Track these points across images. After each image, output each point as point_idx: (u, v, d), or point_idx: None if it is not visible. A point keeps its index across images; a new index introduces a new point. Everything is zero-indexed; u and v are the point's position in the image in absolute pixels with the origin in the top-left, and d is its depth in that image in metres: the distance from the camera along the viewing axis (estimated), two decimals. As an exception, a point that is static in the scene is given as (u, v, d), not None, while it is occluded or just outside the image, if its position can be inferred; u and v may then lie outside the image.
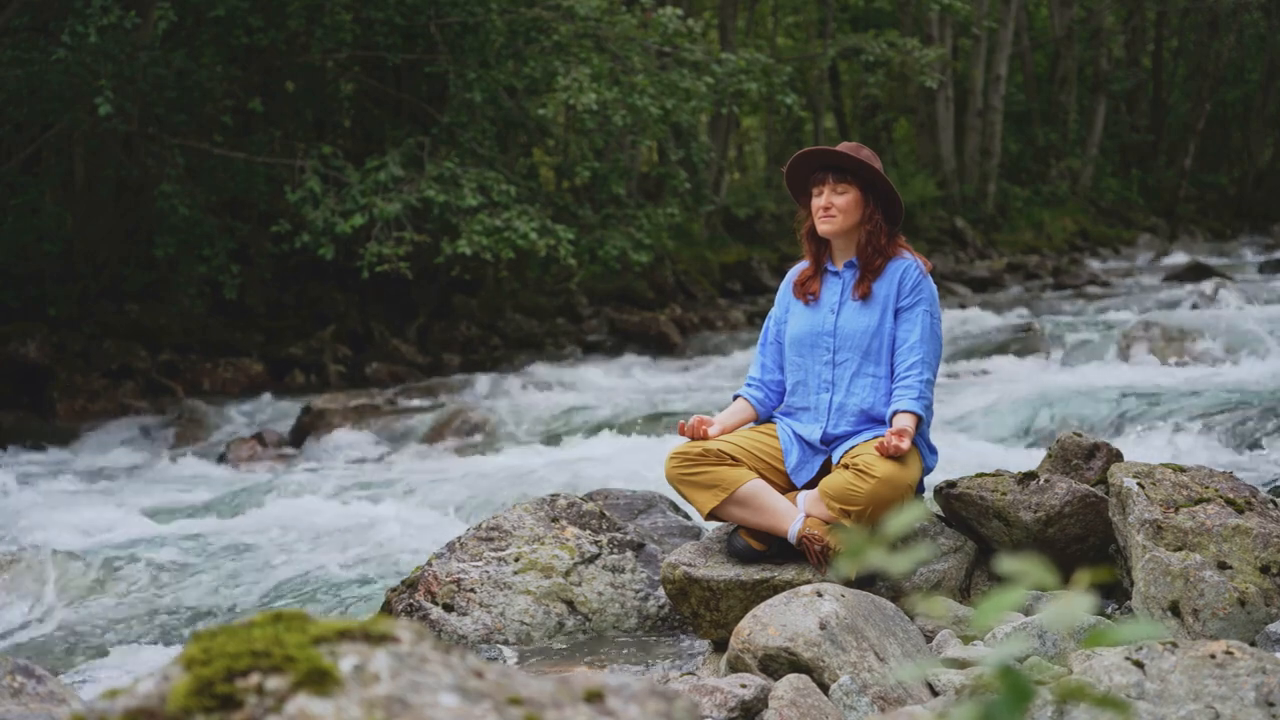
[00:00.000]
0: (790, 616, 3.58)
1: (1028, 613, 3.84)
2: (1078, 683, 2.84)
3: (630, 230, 14.12)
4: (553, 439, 9.88)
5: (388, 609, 4.70)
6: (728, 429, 4.34)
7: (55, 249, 12.85)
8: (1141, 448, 7.37)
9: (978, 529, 4.31)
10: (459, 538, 4.81)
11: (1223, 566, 3.70)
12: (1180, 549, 3.75)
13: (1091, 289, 19.47)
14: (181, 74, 12.42)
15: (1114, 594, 4.20)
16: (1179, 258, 23.87)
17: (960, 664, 3.46)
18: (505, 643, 4.47)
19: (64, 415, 11.94)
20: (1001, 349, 11.74)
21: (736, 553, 4.21)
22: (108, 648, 5.50)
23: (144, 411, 12.05)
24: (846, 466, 4.09)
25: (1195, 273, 18.74)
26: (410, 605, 4.60)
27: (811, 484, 4.25)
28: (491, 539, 4.74)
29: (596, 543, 4.74)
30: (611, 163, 15.20)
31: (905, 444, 4.00)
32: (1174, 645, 2.90)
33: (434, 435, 10.32)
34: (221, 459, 10.19)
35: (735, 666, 3.64)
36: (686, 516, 5.34)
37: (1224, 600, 3.62)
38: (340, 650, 1.34)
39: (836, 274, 4.40)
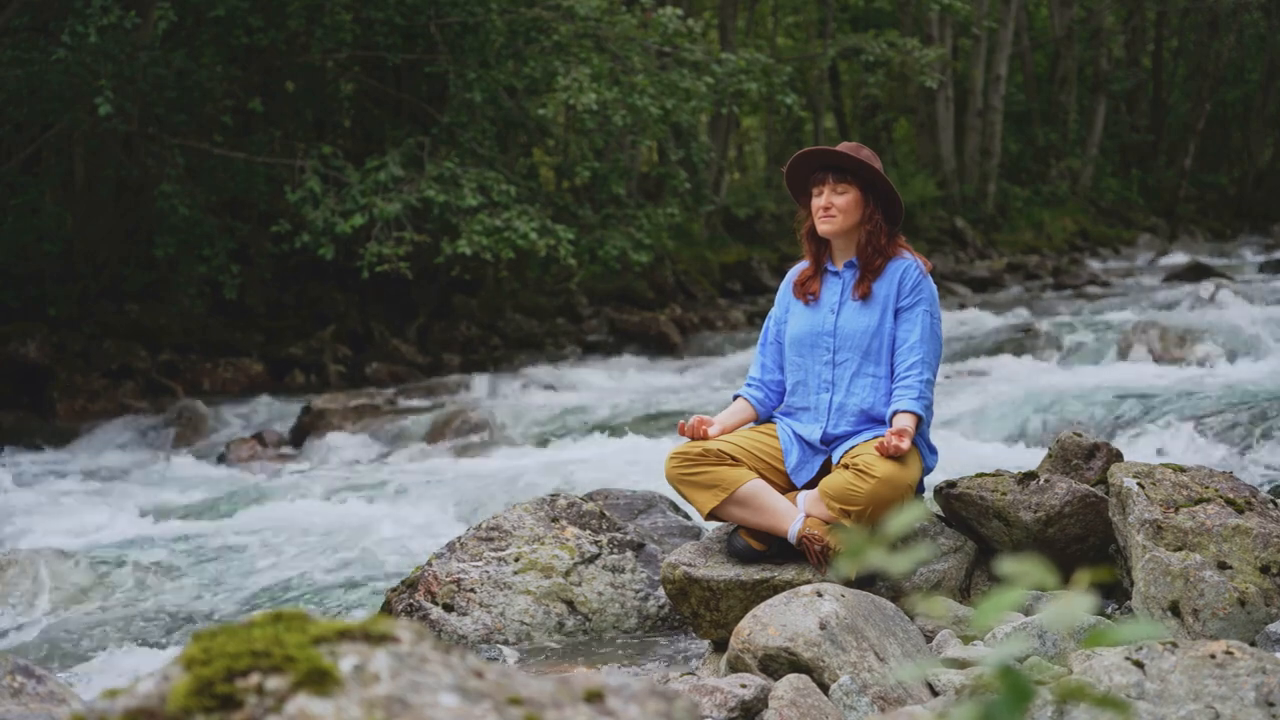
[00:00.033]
0: (790, 616, 3.58)
1: (1028, 613, 3.84)
2: (1078, 683, 2.84)
3: (630, 230, 14.12)
4: (553, 439, 9.87)
5: (388, 609, 4.71)
6: (728, 429, 4.34)
7: (55, 249, 12.85)
8: (1141, 448, 7.37)
9: (978, 529, 4.31)
10: (459, 538, 4.81)
11: (1223, 566, 3.70)
12: (1180, 549, 3.75)
13: (1091, 289, 19.46)
14: (181, 74, 12.42)
15: (1114, 594, 4.20)
16: (1179, 258, 23.86)
17: (960, 664, 3.46)
18: (505, 643, 4.47)
19: (64, 415, 11.94)
20: (1001, 349, 11.74)
21: (736, 553, 4.21)
22: (107, 648, 5.50)
23: (144, 411, 12.05)
24: (846, 466, 4.09)
25: (1195, 273, 18.73)
26: (410, 605, 4.60)
27: (811, 484, 4.25)
28: (491, 539, 4.74)
29: (596, 543, 4.75)
30: (611, 163, 15.20)
31: (905, 444, 4.01)
32: (1174, 645, 2.90)
33: (434, 435, 10.32)
34: (221, 459, 10.19)
35: (735, 666, 3.64)
36: (686, 516, 5.34)
37: (1224, 600, 3.62)
38: (340, 650, 1.34)
39: (836, 274, 4.40)
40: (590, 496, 5.25)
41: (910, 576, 4.15)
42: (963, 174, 26.77)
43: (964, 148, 26.88)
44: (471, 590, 4.58)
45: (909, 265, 4.32)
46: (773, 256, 20.45)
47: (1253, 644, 3.48)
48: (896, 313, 4.29)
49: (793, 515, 4.11)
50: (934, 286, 4.37)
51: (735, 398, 4.51)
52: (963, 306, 16.66)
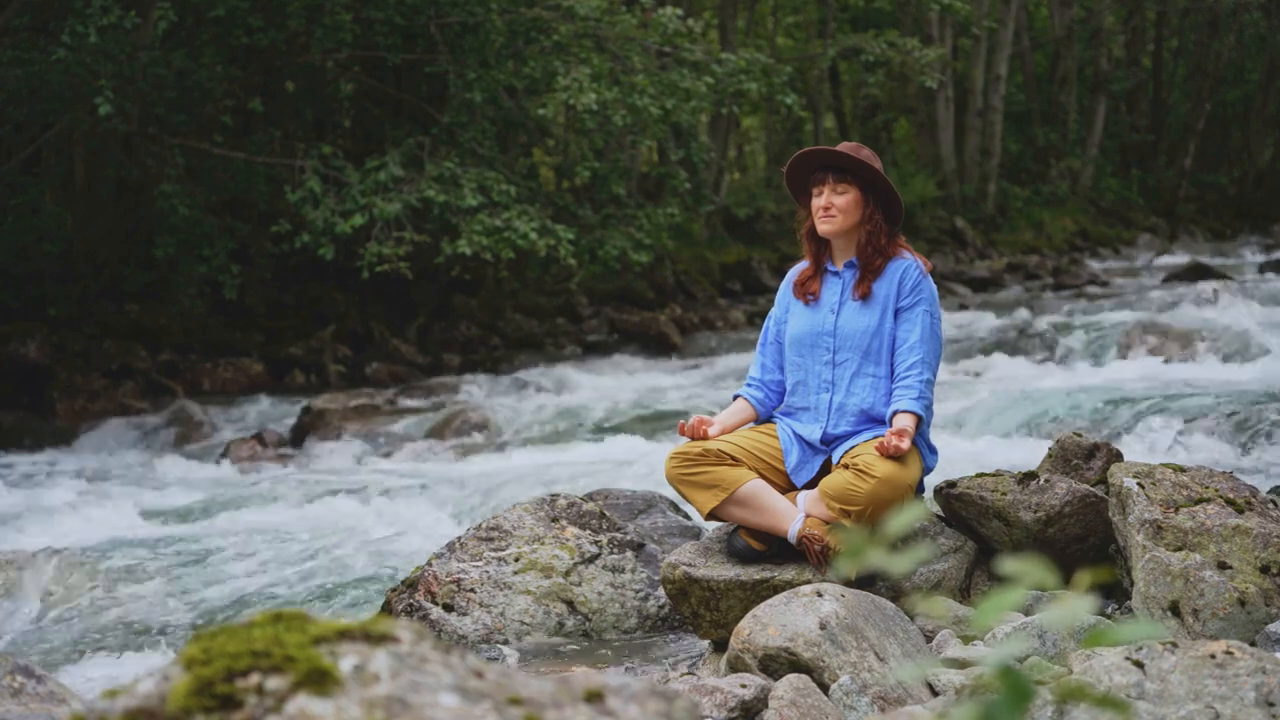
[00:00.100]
0: (790, 616, 3.58)
1: (1028, 613, 3.84)
2: (1078, 683, 2.84)
3: (630, 230, 14.12)
4: (552, 439, 9.88)
5: (388, 609, 4.71)
6: (728, 429, 4.34)
7: (55, 249, 12.85)
8: (1141, 448, 7.37)
9: (978, 529, 4.31)
10: (459, 538, 4.81)
11: (1223, 566, 3.70)
12: (1180, 549, 3.75)
13: (1091, 289, 19.46)
14: (181, 74, 12.42)
15: (1114, 594, 4.20)
16: (1179, 258, 23.86)
17: (960, 664, 3.46)
18: (505, 643, 4.47)
19: (64, 415, 11.94)
20: (1001, 349, 11.74)
21: (736, 553, 4.21)
22: (107, 648, 5.50)
23: (144, 411, 12.05)
24: (846, 466, 4.09)
25: (1195, 273, 18.72)
26: (410, 605, 4.60)
27: (811, 484, 4.25)
28: (491, 539, 4.74)
29: (596, 543, 4.74)
30: (611, 163, 15.21)
31: (905, 444, 4.01)
32: (1174, 645, 2.90)
33: (434, 435, 10.32)
34: (221, 459, 10.19)
35: (735, 666, 3.64)
36: (686, 516, 5.34)
37: (1224, 600, 3.62)
38: (340, 650, 1.34)
39: (836, 274, 4.40)
40: (590, 496, 5.25)
41: (910, 576, 4.15)
42: (963, 174, 26.77)
43: (964, 148, 26.88)
44: (471, 590, 4.58)
45: (909, 265, 4.32)
46: (773, 256, 20.45)
47: (1253, 644, 3.48)
48: (896, 313, 4.29)
49: (793, 515, 4.11)
50: (934, 286, 4.37)
51: (735, 398, 4.51)
52: (963, 306, 16.67)
